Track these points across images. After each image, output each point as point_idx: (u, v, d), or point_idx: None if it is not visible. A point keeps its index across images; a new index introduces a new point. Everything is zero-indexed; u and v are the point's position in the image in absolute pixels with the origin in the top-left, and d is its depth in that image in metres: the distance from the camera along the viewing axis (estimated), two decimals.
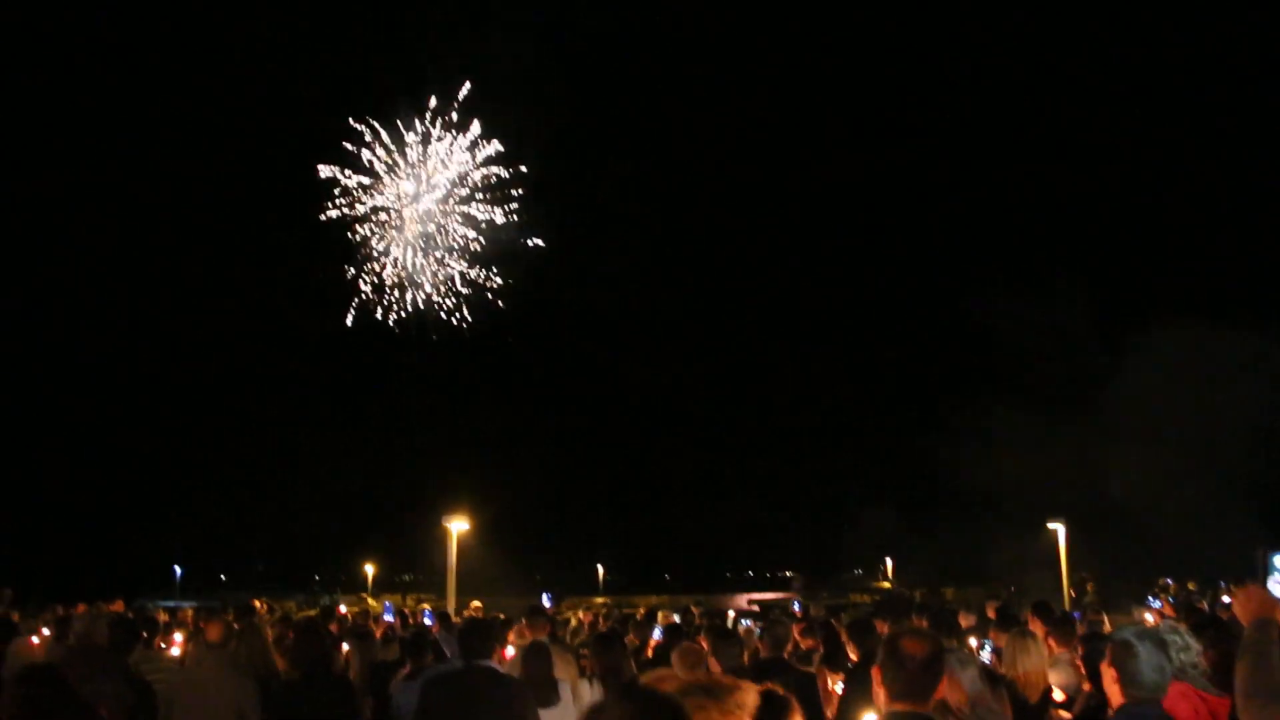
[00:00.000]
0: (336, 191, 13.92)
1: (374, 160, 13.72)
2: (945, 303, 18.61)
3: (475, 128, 13.85)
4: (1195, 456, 12.17)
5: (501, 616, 5.35)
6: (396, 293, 14.50)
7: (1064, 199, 18.26)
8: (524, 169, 14.08)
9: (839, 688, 2.74)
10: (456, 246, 14.36)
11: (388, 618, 5.92)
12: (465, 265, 14.46)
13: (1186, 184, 17.29)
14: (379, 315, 14.65)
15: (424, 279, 14.39)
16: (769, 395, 20.60)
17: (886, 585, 19.07)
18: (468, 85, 13.76)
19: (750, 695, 1.29)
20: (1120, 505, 13.08)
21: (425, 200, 14.10)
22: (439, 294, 14.51)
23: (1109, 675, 1.83)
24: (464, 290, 14.54)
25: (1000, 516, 13.43)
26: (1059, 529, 10.04)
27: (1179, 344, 12.46)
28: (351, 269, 14.44)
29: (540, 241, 14.58)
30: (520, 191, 14.15)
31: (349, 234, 14.10)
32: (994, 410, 14.03)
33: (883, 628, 3.22)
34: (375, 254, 14.36)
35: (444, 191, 14.05)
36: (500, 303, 14.68)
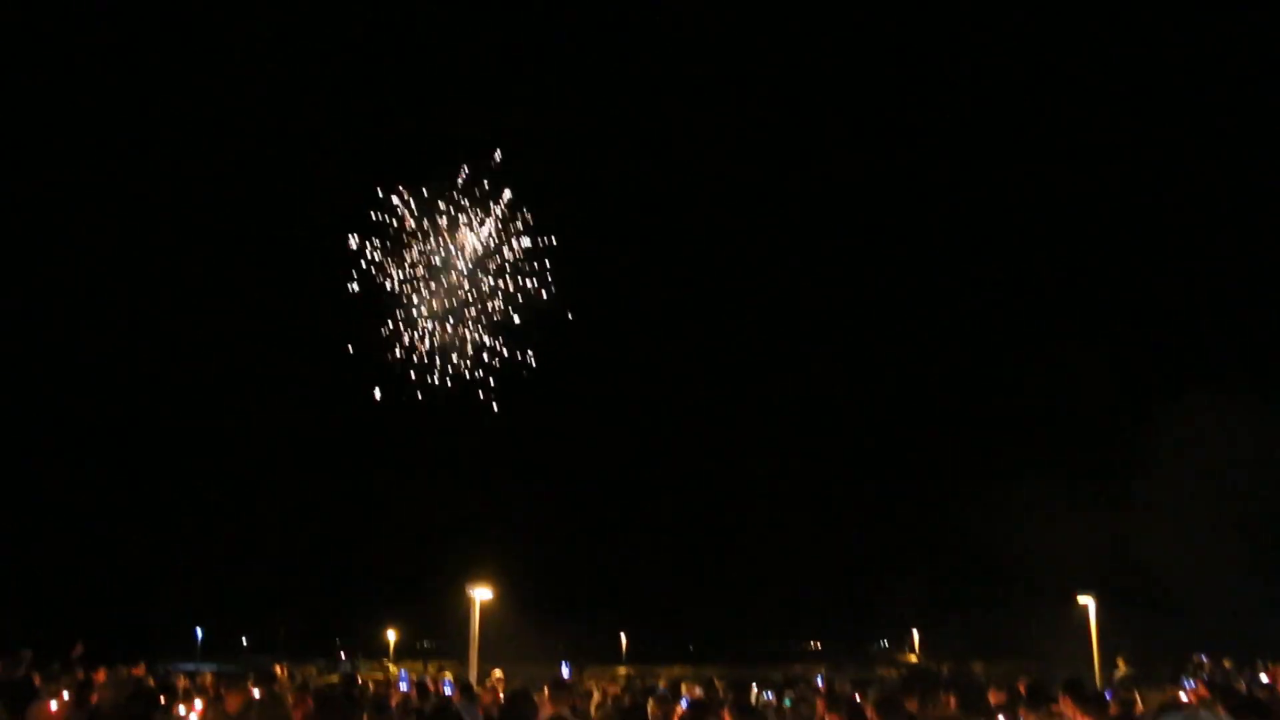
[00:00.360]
0: (364, 262, 14.09)
1: (402, 230, 13.90)
2: (974, 372, 18.51)
3: (506, 194, 14.02)
4: (1230, 529, 11.98)
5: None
6: (423, 361, 14.61)
7: (1096, 266, 18.21)
8: (553, 239, 14.23)
9: None
10: (484, 317, 14.48)
11: (403, 687, 5.86)
12: (491, 336, 14.56)
13: (1220, 253, 17.22)
14: (405, 384, 14.73)
15: (450, 349, 14.50)
16: (796, 464, 20.48)
17: (913, 658, 18.75)
18: (498, 154, 13.96)
19: None
20: (1153, 579, 12.86)
21: (454, 271, 14.27)
22: (465, 364, 14.60)
23: None
24: (490, 360, 14.63)
25: (1030, 589, 13.23)
26: (1089, 603, 9.86)
27: (1212, 413, 12.32)
28: (379, 338, 14.56)
29: (570, 314, 14.66)
30: (547, 262, 14.28)
31: (377, 303, 14.24)
32: (1023, 481, 13.89)
33: (912, 705, 3.16)
34: (403, 324, 14.49)
35: (472, 263, 14.22)
36: (525, 372, 14.74)
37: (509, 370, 14.67)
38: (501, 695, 4.98)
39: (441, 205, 13.98)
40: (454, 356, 14.50)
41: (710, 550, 21.63)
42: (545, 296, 14.29)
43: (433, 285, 14.33)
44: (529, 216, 14.09)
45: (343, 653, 19.24)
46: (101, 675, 5.16)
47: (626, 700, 4.98)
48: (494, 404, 14.73)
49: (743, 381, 21.60)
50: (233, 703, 3.28)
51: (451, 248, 14.08)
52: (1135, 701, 4.57)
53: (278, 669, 6.95)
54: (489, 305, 14.40)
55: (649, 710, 4.01)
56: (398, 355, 14.49)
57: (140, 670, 6.56)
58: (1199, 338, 17.42)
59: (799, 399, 20.90)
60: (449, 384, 14.64)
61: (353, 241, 13.92)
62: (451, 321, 14.41)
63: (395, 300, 14.27)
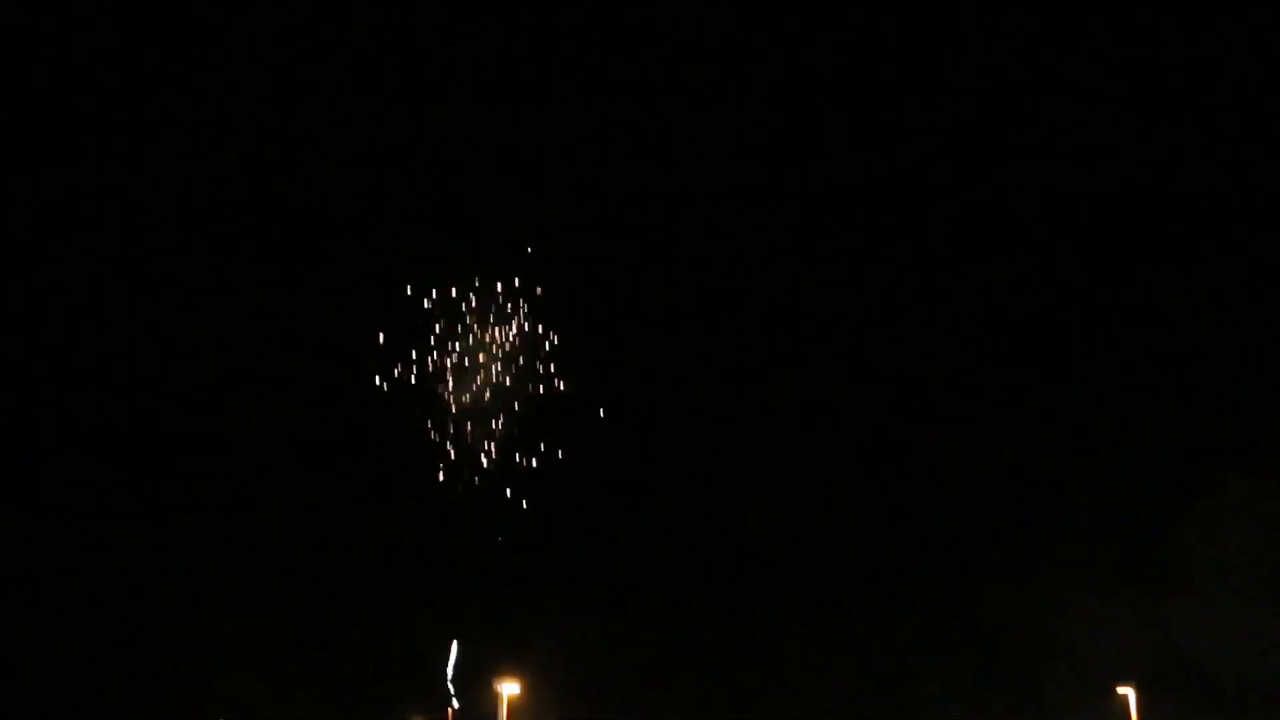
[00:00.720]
0: (399, 363, 14.18)
1: (432, 331, 13.99)
2: (1006, 456, 18.32)
3: (536, 292, 14.13)
4: (1276, 612, 11.67)
5: None
6: (451, 457, 14.61)
7: (1136, 352, 18.04)
8: (580, 337, 14.33)
9: None
10: (510, 414, 14.50)
11: None
12: (518, 432, 14.55)
13: (1253, 332, 17.04)
14: (436, 480, 14.72)
15: (478, 446, 14.51)
16: (825, 551, 20.26)
17: None
18: (528, 250, 14.12)
19: None
20: (1197, 669, 12.51)
21: (483, 370, 14.35)
22: (492, 461, 14.60)
23: None
24: (519, 456, 14.62)
25: (1066, 680, 12.91)
26: (1129, 694, 9.64)
27: (1255, 497, 12.09)
28: (412, 436, 14.59)
29: (600, 410, 14.69)
30: (570, 360, 14.35)
31: (406, 400, 14.30)
32: (1054, 565, 13.64)
33: None
34: (435, 421, 14.53)
35: (502, 362, 14.30)
36: (554, 468, 14.73)
37: (538, 465, 14.64)
38: None
39: (471, 302, 14.12)
40: (481, 455, 14.49)
41: (737, 639, 21.33)
42: (570, 391, 14.33)
43: (462, 382, 14.40)
44: (555, 312, 14.19)
45: None
46: None
47: None
48: (522, 501, 14.68)
49: (763, 470, 21.47)
50: None
51: (480, 346, 14.19)
52: None
53: None
54: (515, 402, 14.43)
55: None
56: (426, 450, 14.51)
57: None
58: (1240, 420, 17.16)
59: (827, 487, 20.76)
60: (476, 480, 14.62)
61: (382, 338, 14.02)
62: (478, 417, 14.45)
63: (425, 397, 14.33)
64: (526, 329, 14.21)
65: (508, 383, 14.41)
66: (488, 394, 14.35)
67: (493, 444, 14.51)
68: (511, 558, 19.02)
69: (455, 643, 15.77)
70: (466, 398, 14.32)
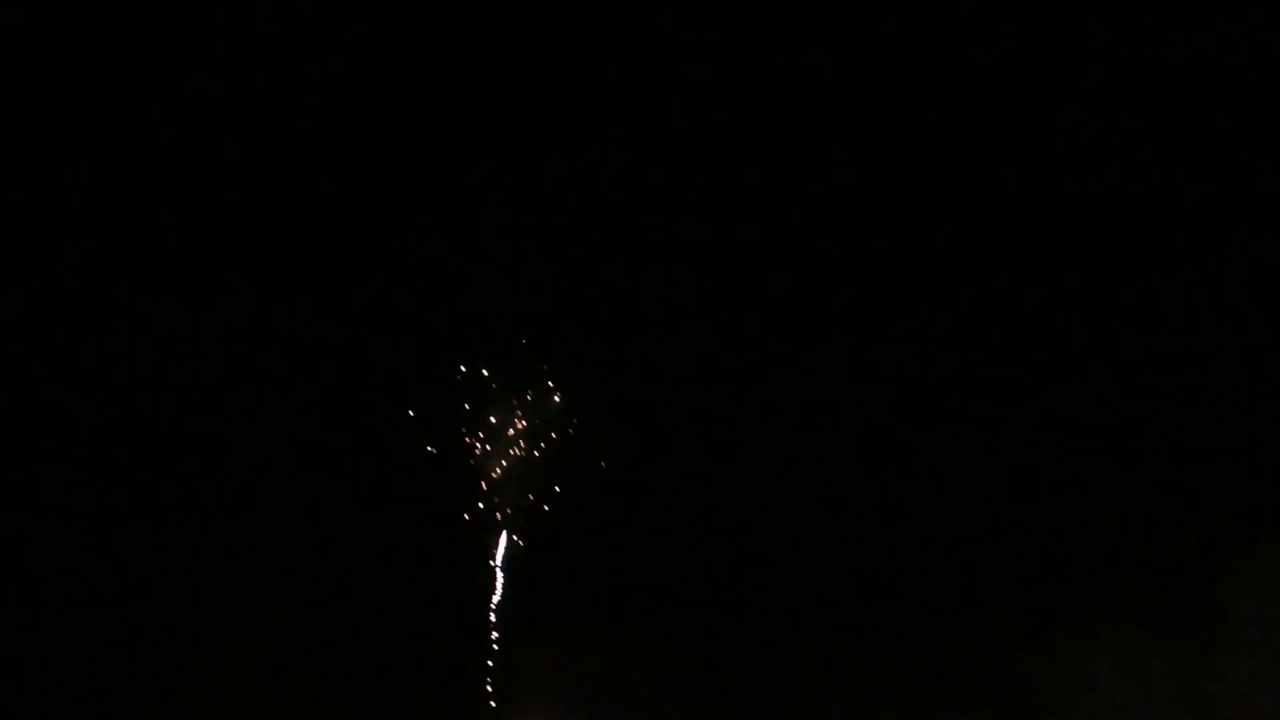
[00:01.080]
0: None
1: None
2: (1033, 507, 17.36)
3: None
4: None
5: None
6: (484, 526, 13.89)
7: (1171, 407, 17.05)
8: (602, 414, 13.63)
9: None
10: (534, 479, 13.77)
11: None
12: (536, 493, 13.79)
13: None
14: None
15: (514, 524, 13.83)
16: (847, 605, 19.21)
17: None
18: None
19: None
20: None
21: (516, 455, 13.68)
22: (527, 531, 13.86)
23: None
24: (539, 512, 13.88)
25: None
26: None
27: None
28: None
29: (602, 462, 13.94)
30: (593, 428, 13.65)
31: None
32: (1091, 619, 12.65)
33: None
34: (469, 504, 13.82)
35: (534, 446, 13.62)
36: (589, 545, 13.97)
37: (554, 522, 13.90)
38: None
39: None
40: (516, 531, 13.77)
41: (760, 702, 20.23)
42: (595, 460, 13.62)
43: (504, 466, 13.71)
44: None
45: None
46: None
47: None
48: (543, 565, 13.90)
49: (778, 543, 20.52)
50: None
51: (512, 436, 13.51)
52: None
53: None
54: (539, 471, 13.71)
55: None
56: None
57: None
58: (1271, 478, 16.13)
59: (845, 541, 19.76)
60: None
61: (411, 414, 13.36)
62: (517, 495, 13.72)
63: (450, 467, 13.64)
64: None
65: (534, 453, 13.71)
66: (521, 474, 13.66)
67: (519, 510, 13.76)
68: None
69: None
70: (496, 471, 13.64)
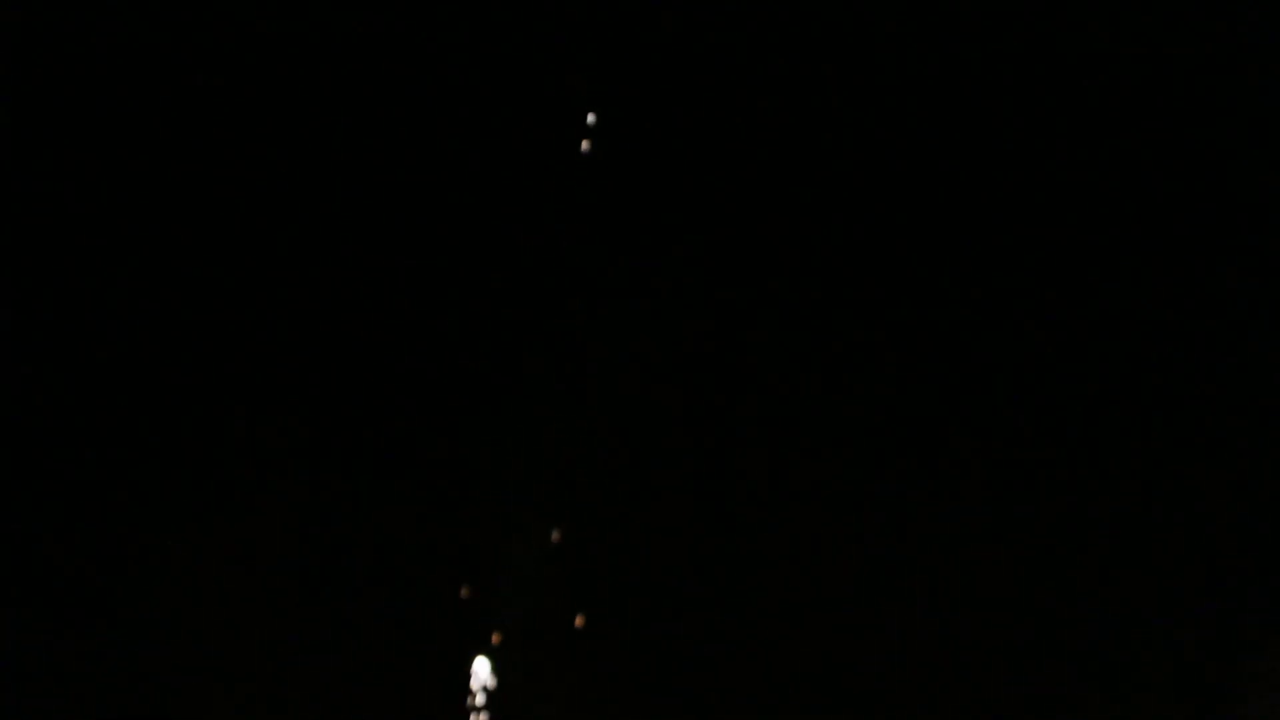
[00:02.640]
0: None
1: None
2: (1045, 608, 17.50)
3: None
4: None
5: None
6: None
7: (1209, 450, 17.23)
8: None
9: None
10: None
11: None
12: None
13: None
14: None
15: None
16: (864, 649, 19.47)
17: None
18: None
19: None
20: None
21: None
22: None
23: None
24: None
25: None
26: None
27: None
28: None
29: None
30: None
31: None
32: (1111, 684, 12.63)
33: None
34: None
35: None
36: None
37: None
38: None
39: None
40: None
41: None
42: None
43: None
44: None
45: None
46: None
47: None
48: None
49: (786, 576, 20.89)
50: None
51: None
52: None
53: None
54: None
55: None
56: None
57: None
58: None
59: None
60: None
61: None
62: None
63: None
64: None
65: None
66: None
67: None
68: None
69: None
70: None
